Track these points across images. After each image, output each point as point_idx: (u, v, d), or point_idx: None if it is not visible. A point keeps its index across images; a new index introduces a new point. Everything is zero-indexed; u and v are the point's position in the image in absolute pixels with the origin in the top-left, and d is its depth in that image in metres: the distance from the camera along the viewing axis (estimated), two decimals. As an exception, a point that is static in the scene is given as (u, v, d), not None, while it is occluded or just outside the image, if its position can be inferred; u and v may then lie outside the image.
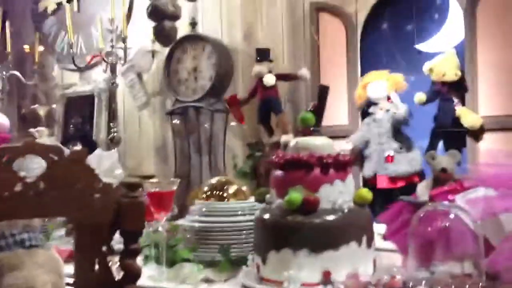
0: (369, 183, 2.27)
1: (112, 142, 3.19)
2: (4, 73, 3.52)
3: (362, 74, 2.77)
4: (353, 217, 1.34)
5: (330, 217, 1.32)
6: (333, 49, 2.86)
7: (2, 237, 1.29)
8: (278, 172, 1.42)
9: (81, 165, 1.15)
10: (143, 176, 3.24)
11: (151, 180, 1.64)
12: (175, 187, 1.57)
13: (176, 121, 3.19)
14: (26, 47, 3.57)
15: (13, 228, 1.32)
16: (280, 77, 2.70)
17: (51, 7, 3.69)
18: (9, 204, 1.09)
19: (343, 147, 2.21)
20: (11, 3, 3.72)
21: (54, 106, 3.61)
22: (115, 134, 3.19)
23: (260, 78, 2.66)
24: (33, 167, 1.20)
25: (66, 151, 1.14)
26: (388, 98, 2.39)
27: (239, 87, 3.05)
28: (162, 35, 1.61)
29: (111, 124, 3.23)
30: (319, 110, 1.54)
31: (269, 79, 2.51)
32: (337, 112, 2.76)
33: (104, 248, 1.19)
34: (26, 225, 1.35)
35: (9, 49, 3.47)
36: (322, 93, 1.58)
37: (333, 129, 2.68)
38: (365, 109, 2.58)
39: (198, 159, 3.19)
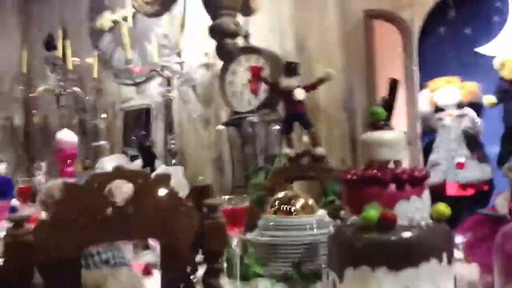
0: (436, 190, 2.23)
1: (170, 154, 3.27)
2: (65, 90, 3.66)
3: (420, 80, 2.74)
4: (432, 233, 1.32)
5: (409, 234, 1.30)
6: (389, 56, 2.84)
7: (89, 256, 1.34)
8: (352, 188, 1.42)
9: (166, 189, 1.19)
10: (204, 187, 3.30)
11: (224, 197, 1.66)
12: (246, 204, 1.59)
13: (230, 132, 3.22)
14: (82, 62, 3.70)
15: (98, 246, 1.37)
16: (307, 88, 2.69)
17: (108, 24, 3.82)
18: (101, 227, 1.13)
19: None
20: (70, 22, 3.87)
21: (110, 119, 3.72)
22: (172, 146, 3.26)
23: (288, 92, 2.64)
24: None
25: (152, 175, 1.18)
26: (459, 106, 2.35)
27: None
28: (224, 52, 1.65)
29: (168, 136, 3.31)
30: (389, 104, 1.52)
31: (299, 95, 2.49)
32: (394, 119, 2.73)
33: (188, 268, 1.22)
34: (109, 244, 1.41)
35: (69, 66, 3.60)
36: (392, 86, 1.56)
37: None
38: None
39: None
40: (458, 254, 1.56)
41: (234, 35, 1.65)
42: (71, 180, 1.52)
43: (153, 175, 1.18)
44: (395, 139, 1.44)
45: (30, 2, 4.14)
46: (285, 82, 2.64)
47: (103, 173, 1.14)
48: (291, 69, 2.66)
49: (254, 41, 3.17)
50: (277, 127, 2.98)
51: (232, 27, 1.65)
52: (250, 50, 3.13)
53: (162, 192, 1.18)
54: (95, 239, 1.16)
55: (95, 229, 1.13)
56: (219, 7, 1.62)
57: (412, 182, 1.36)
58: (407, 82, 2.77)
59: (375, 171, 1.39)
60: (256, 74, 2.82)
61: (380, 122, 1.47)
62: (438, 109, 2.43)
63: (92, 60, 3.66)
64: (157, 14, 1.84)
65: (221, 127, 3.09)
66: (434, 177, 2.27)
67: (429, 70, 2.78)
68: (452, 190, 2.18)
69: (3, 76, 4.16)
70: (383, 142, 1.42)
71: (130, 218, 1.15)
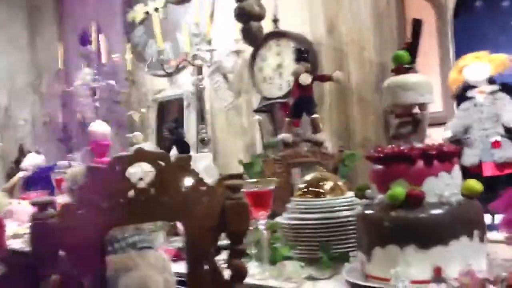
0: (472, 171, 2.15)
1: (202, 143, 3.29)
2: (100, 83, 3.74)
3: (456, 57, 2.64)
4: (462, 210, 1.28)
5: (437, 211, 1.26)
6: (423, 34, 2.74)
7: (115, 240, 1.36)
8: (379, 167, 1.38)
9: (186, 170, 1.19)
10: (233, 175, 3.31)
11: (250, 180, 1.66)
12: (273, 186, 1.58)
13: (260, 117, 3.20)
14: (116, 56, 3.77)
15: (124, 231, 1.39)
16: (316, 78, 2.65)
17: (139, 17, 3.86)
18: (125, 210, 1.15)
19: (442, 135, 2.11)
20: (103, 17, 3.93)
21: (144, 110, 3.78)
22: (204, 135, 3.28)
23: (297, 78, 2.61)
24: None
25: (172, 157, 1.18)
26: (490, 81, 2.25)
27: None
28: (250, 35, 1.63)
29: (200, 125, 3.33)
30: (413, 47, 1.47)
31: (305, 79, 2.47)
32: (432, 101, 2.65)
33: (212, 249, 1.22)
34: (136, 228, 1.42)
35: (104, 60, 3.67)
36: (416, 28, 1.50)
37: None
38: (461, 94, 2.44)
39: (287, 155, 3.20)
40: (498, 235, 1.51)
41: (259, 17, 1.63)
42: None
43: (173, 157, 1.18)
44: (420, 82, 1.40)
45: (64, -1, 4.24)
46: (294, 67, 2.64)
47: (124, 156, 1.15)
48: (300, 54, 2.65)
49: (283, 26, 3.14)
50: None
51: (256, 9, 1.63)
52: (279, 34, 3.10)
53: (183, 173, 1.18)
54: (119, 221, 1.18)
55: (118, 211, 1.15)
56: (244, -10, 1.60)
57: (441, 157, 1.32)
58: (442, 60, 2.68)
59: (402, 147, 1.35)
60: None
61: (404, 66, 1.43)
62: (469, 87, 2.33)
63: (125, 52, 3.72)
64: (185, 0, 1.84)
65: (257, 116, 3.09)
66: (469, 159, 2.19)
67: (466, 47, 2.68)
68: (488, 170, 2.09)
69: (42, 72, 4.28)
70: (408, 85, 1.39)
71: (152, 200, 1.16)
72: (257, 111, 3.20)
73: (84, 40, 3.89)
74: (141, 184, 1.15)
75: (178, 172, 1.19)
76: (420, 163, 1.31)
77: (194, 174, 1.20)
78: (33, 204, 1.08)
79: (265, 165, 2.34)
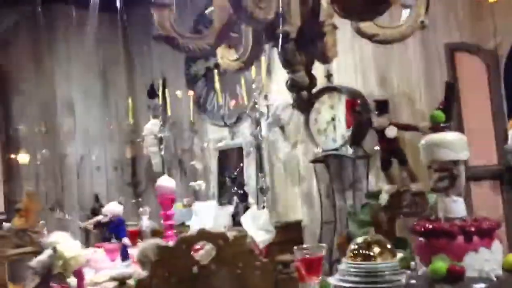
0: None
1: (261, 191, 3.45)
2: (165, 133, 4.02)
3: (508, 110, 2.68)
4: (502, 286, 1.35)
5: (478, 286, 1.34)
6: (473, 88, 2.80)
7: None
8: (421, 240, 1.48)
9: (242, 247, 1.35)
10: (290, 223, 3.45)
11: (301, 246, 1.78)
12: (323, 253, 1.70)
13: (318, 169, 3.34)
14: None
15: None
16: (400, 127, 2.71)
17: (201, 71, 4.14)
18: (188, 285, 1.31)
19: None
20: (168, 71, 4.24)
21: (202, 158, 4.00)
22: (263, 183, 3.44)
23: (382, 130, 2.69)
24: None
25: (230, 236, 1.34)
26: None
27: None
28: (301, 104, 1.78)
29: (259, 174, 3.50)
30: (447, 107, 1.56)
31: (391, 132, 2.54)
32: (484, 152, 2.68)
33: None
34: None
35: (169, 112, 3.95)
36: (449, 90, 1.61)
37: (483, 169, 2.63)
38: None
39: (343, 203, 3.30)
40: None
41: (309, 87, 1.77)
42: (165, 243, 1.72)
43: (231, 235, 1.34)
44: (455, 140, 1.48)
45: (134, 56, 4.60)
46: (377, 120, 2.71)
47: (189, 236, 1.32)
48: (381, 107, 2.74)
49: (337, 80, 3.29)
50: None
51: (306, 80, 1.78)
52: (332, 89, 3.25)
53: (240, 250, 1.34)
54: (184, 294, 1.34)
55: (184, 285, 1.31)
56: (294, 64, 1.76)
57: (481, 233, 1.40)
58: (495, 115, 2.72)
59: (443, 223, 1.44)
60: (351, 107, 2.94)
61: (439, 124, 1.52)
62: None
63: (188, 104, 3.99)
64: (242, 69, 2.02)
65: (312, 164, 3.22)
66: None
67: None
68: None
69: (114, 122, 4.62)
70: (444, 143, 1.47)
71: (212, 275, 1.32)
72: (314, 161, 3.34)
73: (151, 93, 4.21)
74: (204, 261, 1.31)
75: (236, 249, 1.34)
76: (460, 239, 1.40)
77: (249, 250, 1.35)
78: (114, 280, 1.27)
79: (372, 214, 2.47)
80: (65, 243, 1.65)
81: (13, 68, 4.56)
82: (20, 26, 4.53)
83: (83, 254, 1.96)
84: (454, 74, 2.85)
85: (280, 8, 1.63)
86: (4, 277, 3.20)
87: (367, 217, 2.61)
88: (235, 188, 3.52)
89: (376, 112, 2.71)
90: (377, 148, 2.88)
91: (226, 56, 1.91)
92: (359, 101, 2.99)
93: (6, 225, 3.63)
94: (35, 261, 1.64)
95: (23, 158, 4.76)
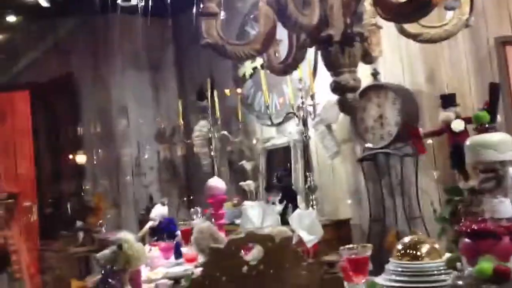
0: None
1: (309, 190, 3.49)
2: (216, 134, 4.12)
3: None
4: (550, 287, 1.34)
5: (525, 288, 1.34)
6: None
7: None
8: (467, 241, 1.48)
9: (289, 248, 1.40)
10: (340, 221, 3.47)
11: (348, 246, 1.81)
12: (369, 253, 1.73)
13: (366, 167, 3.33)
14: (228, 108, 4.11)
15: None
16: (469, 120, 2.68)
17: (248, 72, 4.22)
18: (238, 284, 1.38)
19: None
20: (216, 73, 4.35)
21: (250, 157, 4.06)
22: (311, 182, 3.48)
23: (447, 124, 2.67)
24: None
25: (277, 238, 1.40)
26: None
27: (427, 129, 3.09)
28: (346, 107, 1.80)
29: (307, 173, 3.54)
30: (492, 107, 1.55)
31: (458, 125, 2.50)
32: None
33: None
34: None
35: (218, 114, 4.05)
36: (493, 90, 1.59)
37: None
38: None
39: (391, 201, 3.30)
40: None
41: (353, 89, 1.79)
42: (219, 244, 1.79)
43: (277, 236, 1.39)
44: (500, 140, 1.47)
45: (184, 60, 4.74)
46: (443, 115, 2.67)
47: (238, 238, 1.39)
48: (447, 101, 2.69)
49: (383, 78, 3.28)
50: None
51: (351, 83, 1.80)
52: (379, 87, 3.24)
53: (286, 250, 1.40)
54: (235, 293, 1.41)
55: (234, 284, 1.38)
56: (338, 66, 1.80)
57: (528, 234, 1.39)
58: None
59: (488, 224, 1.45)
60: (415, 136, 2.92)
61: (484, 125, 1.52)
62: None
63: (237, 105, 4.07)
64: (287, 73, 2.08)
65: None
66: None
67: None
68: None
69: (164, 125, 4.79)
70: (489, 144, 1.46)
71: (261, 275, 1.38)
72: (361, 160, 3.34)
73: (200, 95, 4.32)
74: (253, 262, 1.38)
75: (282, 250, 1.40)
76: (506, 239, 1.40)
77: (295, 251, 1.40)
78: (170, 279, 1.35)
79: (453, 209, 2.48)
80: (131, 242, 1.74)
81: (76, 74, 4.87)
82: (77, 34, 4.78)
83: (146, 255, 2.06)
84: (505, 68, 2.79)
85: (324, 13, 1.66)
86: (68, 274, 3.40)
87: (448, 215, 2.58)
88: (284, 188, 3.57)
89: (443, 105, 2.66)
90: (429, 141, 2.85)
91: (271, 60, 1.96)
92: (419, 127, 2.98)
93: (78, 223, 3.89)
94: (100, 254, 1.74)
95: (80, 158, 5.04)
